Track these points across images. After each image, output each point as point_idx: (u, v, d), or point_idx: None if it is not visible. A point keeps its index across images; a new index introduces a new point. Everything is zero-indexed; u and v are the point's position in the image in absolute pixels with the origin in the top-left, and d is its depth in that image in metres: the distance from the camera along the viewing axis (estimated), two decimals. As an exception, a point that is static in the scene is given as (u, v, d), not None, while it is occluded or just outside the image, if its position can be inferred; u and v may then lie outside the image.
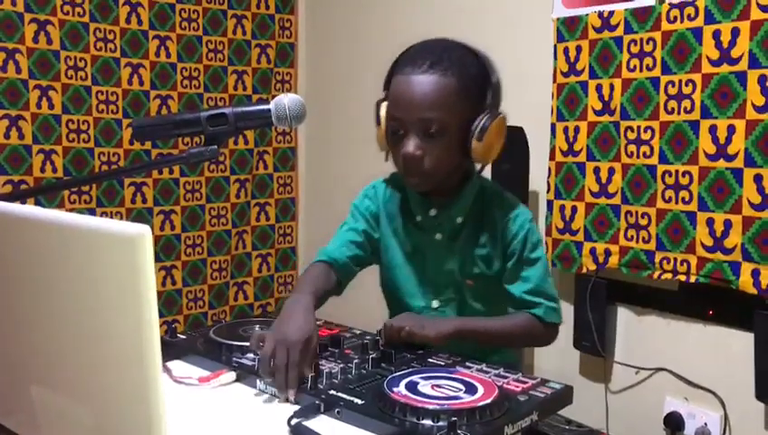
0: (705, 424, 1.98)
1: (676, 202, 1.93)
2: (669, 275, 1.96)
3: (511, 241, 1.42)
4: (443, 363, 1.20)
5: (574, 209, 2.16)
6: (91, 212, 2.62)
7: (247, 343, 1.22)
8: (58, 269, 0.79)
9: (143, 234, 0.70)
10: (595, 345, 2.13)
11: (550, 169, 2.22)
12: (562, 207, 2.19)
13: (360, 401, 1.02)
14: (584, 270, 2.15)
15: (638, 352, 2.12)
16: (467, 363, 1.19)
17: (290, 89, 3.10)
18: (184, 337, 1.32)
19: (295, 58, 3.12)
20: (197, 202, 2.87)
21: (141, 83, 2.72)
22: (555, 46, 2.18)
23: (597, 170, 2.10)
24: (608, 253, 2.09)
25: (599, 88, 2.08)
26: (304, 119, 1.27)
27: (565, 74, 2.16)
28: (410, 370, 1.13)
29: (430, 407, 0.97)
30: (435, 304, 1.46)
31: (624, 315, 2.16)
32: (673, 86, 1.92)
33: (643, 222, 2.00)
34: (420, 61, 1.33)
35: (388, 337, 1.29)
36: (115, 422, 0.78)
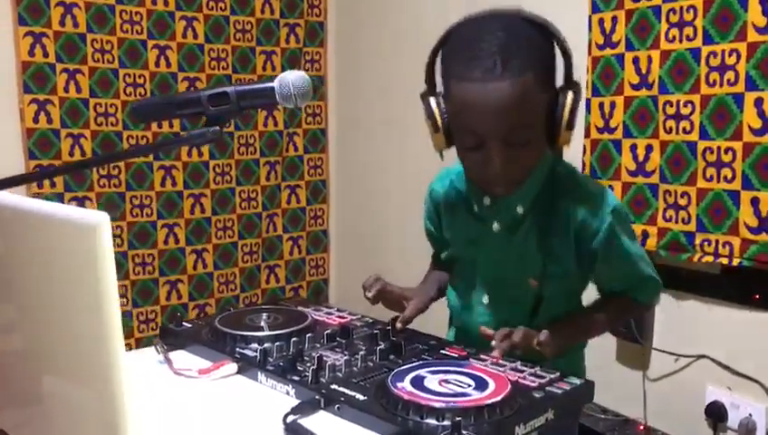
0: (750, 415, 1.87)
1: (718, 181, 1.82)
2: (710, 258, 1.85)
3: (590, 240, 1.21)
4: (456, 356, 1.13)
5: (610, 189, 2.05)
6: (121, 196, 2.62)
7: (252, 332, 1.18)
8: (20, 255, 0.76)
9: (100, 222, 0.65)
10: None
11: (585, 146, 2.12)
12: (598, 187, 2.08)
13: (361, 397, 0.96)
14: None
15: (678, 338, 2.02)
16: (482, 356, 1.12)
17: (319, 69, 3.04)
18: (189, 326, 1.28)
19: (325, 37, 3.06)
20: (228, 185, 2.84)
21: (168, 65, 2.69)
22: (590, 17, 2.07)
23: (634, 148, 1.99)
24: (645, 235, 1.98)
25: (635, 61, 1.97)
26: (310, 97, 1.21)
27: (600, 47, 2.05)
28: (419, 362, 1.06)
29: (435, 405, 0.91)
30: (485, 299, 1.32)
31: (663, 300, 2.03)
32: (715, 57, 1.80)
33: (683, 202, 1.89)
34: (488, 60, 1.09)
35: (518, 344, 1.11)
36: (79, 405, 0.75)
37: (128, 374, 0.67)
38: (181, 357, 1.19)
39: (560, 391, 0.99)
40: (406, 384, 0.97)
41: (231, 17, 2.80)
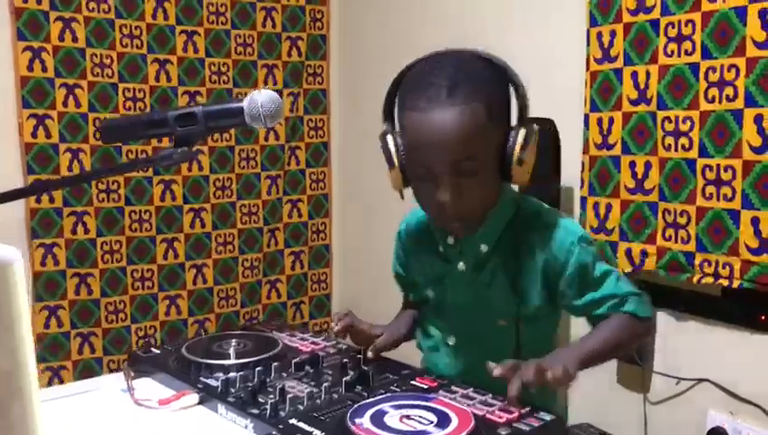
0: (753, 442, 1.81)
1: (718, 199, 1.76)
2: (710, 280, 1.79)
3: (560, 274, 1.19)
4: (426, 386, 1.09)
5: (609, 207, 2.00)
6: (120, 211, 2.61)
7: (217, 361, 1.15)
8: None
9: (12, 262, 0.62)
10: (633, 354, 1.98)
11: (583, 163, 2.07)
12: (596, 205, 2.04)
13: (319, 434, 0.93)
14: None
15: (679, 360, 1.96)
16: (453, 387, 1.08)
17: (321, 82, 3.02)
18: (158, 352, 1.25)
19: (327, 50, 3.03)
20: (228, 199, 2.82)
21: (169, 80, 2.68)
22: (588, 31, 2.02)
23: (633, 165, 1.94)
24: (644, 254, 1.93)
25: (634, 75, 1.92)
26: (280, 117, 1.18)
27: (599, 61, 2.00)
28: (383, 396, 1.02)
29: (389, 444, 0.87)
30: (451, 341, 1.29)
31: (664, 321, 1.99)
32: (714, 72, 1.75)
33: (682, 221, 1.84)
34: (434, 90, 1.09)
35: (532, 380, 1.04)
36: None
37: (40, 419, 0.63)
38: (147, 385, 1.16)
39: (527, 428, 0.94)
40: (365, 420, 0.93)
41: (232, 31, 2.79)
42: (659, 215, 1.89)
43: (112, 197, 2.60)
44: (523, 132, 1.13)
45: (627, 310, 1.21)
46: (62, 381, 2.55)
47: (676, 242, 1.85)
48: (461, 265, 1.24)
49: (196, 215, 2.76)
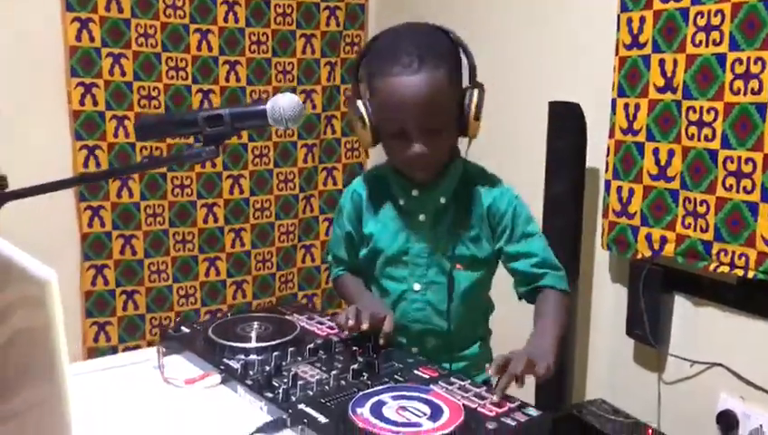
0: (761, 426, 1.86)
1: (738, 191, 1.78)
2: (726, 269, 1.82)
3: (501, 219, 1.40)
4: (427, 377, 1.17)
5: (631, 192, 2.04)
6: (162, 177, 2.72)
7: (238, 344, 1.25)
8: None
9: (49, 280, 0.71)
10: (646, 335, 2.03)
11: (609, 147, 2.09)
12: (620, 189, 2.07)
13: (323, 420, 1.02)
14: (639, 256, 2.04)
15: (694, 344, 2.01)
16: (452, 378, 1.16)
17: (359, 50, 3.05)
18: (188, 331, 1.35)
19: (365, 20, 3.07)
20: (265, 167, 2.92)
21: (210, 49, 2.76)
22: (618, 16, 2.03)
23: (656, 152, 1.97)
24: (663, 240, 1.97)
25: (661, 63, 1.93)
26: (301, 120, 1.25)
27: (627, 47, 2.01)
28: (385, 386, 1.11)
29: None
30: (416, 286, 1.43)
31: (681, 305, 2.04)
32: (740, 64, 1.75)
33: (701, 210, 1.87)
34: (407, 58, 1.28)
35: (519, 371, 1.13)
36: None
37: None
38: (176, 363, 1.27)
39: (513, 423, 1.02)
40: (365, 410, 1.02)
41: (272, 0, 2.84)
42: (680, 202, 1.92)
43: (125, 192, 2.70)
44: (476, 92, 1.33)
45: (550, 284, 1.38)
46: (107, 336, 2.72)
47: (694, 230, 1.89)
48: (422, 217, 1.41)
49: (234, 181, 2.87)
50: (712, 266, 1.86)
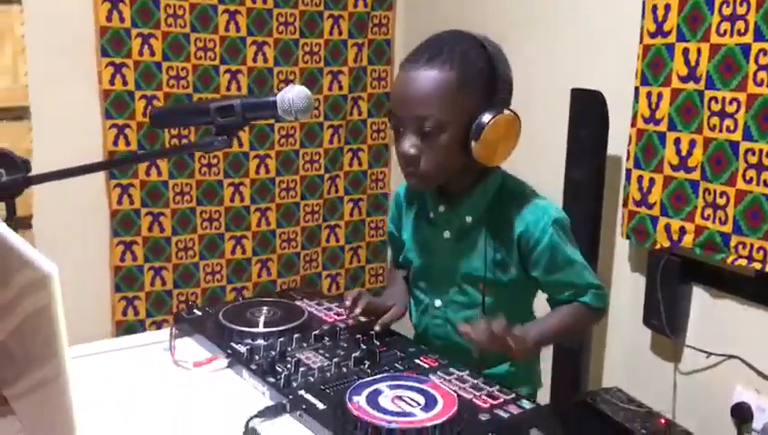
0: (775, 420, 1.85)
1: (758, 184, 1.76)
2: (744, 262, 1.81)
3: (534, 248, 1.31)
4: (427, 366, 1.20)
5: (652, 181, 2.02)
6: (190, 156, 2.77)
7: (246, 328, 1.29)
8: None
9: (50, 274, 0.75)
10: (663, 325, 2.03)
11: (631, 136, 2.08)
12: (640, 178, 2.06)
13: (321, 406, 1.05)
14: (658, 246, 2.03)
15: (711, 336, 2.00)
16: (451, 369, 1.19)
17: (387, 32, 3.06)
18: (200, 314, 1.39)
19: (394, 0, 3.06)
20: (292, 147, 2.95)
21: (238, 30, 2.78)
22: (644, 3, 2.00)
23: (677, 142, 1.95)
24: (682, 231, 1.95)
25: (685, 52, 1.90)
26: (310, 112, 1.28)
27: (652, 35, 1.99)
28: (383, 375, 1.14)
29: (378, 423, 0.99)
30: (437, 303, 1.42)
31: (699, 296, 2.03)
32: (765, 54, 1.73)
33: (721, 202, 1.85)
34: (420, 55, 1.26)
35: (483, 337, 1.16)
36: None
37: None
38: (187, 345, 1.31)
39: (506, 415, 1.04)
40: (361, 399, 1.05)
41: (299, -19, 2.85)
42: (700, 194, 1.90)
43: (183, 142, 2.76)
44: (488, 115, 1.24)
45: (584, 300, 1.34)
46: (135, 311, 2.80)
47: (713, 222, 1.87)
48: (446, 234, 1.38)
49: (261, 161, 2.90)
50: (730, 259, 1.84)
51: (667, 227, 1.99)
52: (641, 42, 2.02)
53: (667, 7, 1.93)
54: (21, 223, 2.56)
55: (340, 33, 2.97)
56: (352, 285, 3.18)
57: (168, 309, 2.84)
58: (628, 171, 2.09)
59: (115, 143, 2.66)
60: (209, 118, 1.28)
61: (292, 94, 1.24)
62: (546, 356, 2.23)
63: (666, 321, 2.01)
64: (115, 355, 1.22)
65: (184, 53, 2.71)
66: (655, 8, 1.97)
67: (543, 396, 2.24)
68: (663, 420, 1.99)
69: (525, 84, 2.52)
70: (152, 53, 2.66)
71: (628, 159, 2.10)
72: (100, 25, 2.57)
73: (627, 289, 2.22)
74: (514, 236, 1.32)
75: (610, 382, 2.25)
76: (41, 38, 2.51)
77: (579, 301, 1.35)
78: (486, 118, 1.24)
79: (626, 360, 2.26)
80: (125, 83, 2.64)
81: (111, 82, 2.62)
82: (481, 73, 1.27)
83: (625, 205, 2.11)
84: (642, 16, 2.01)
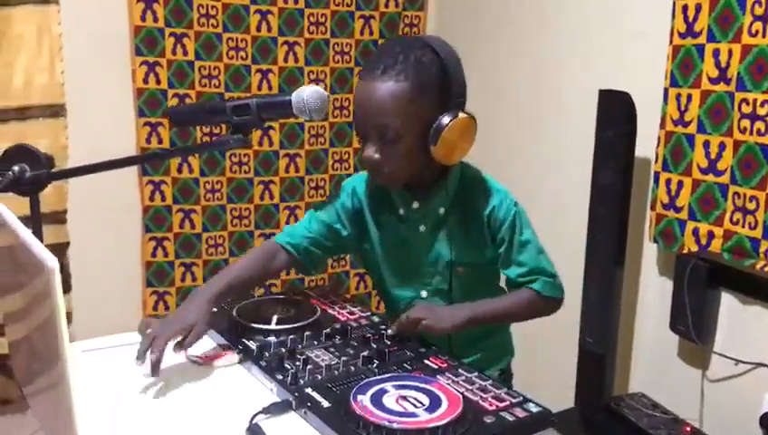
0: (805, 431, 1.81)
1: (789, 189, 1.72)
2: (773, 268, 1.77)
3: (499, 228, 1.42)
4: (435, 367, 1.20)
5: (680, 185, 1.99)
6: (221, 153, 2.80)
7: (258, 325, 1.30)
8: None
9: (53, 268, 0.77)
10: (689, 331, 1.99)
11: (659, 138, 2.04)
12: (668, 181, 2.02)
13: (326, 404, 1.06)
14: (686, 250, 1.99)
15: (740, 342, 1.95)
16: (460, 370, 1.18)
17: (418, 32, 3.05)
18: (215, 310, 1.40)
19: (425, 1, 3.06)
20: (321, 146, 2.97)
21: (269, 30, 2.81)
22: (674, 3, 1.97)
23: (707, 144, 1.91)
24: (711, 235, 1.91)
25: (716, 53, 1.86)
26: (325, 111, 1.28)
27: (682, 35, 1.95)
28: (388, 376, 1.14)
29: (379, 423, 0.99)
30: (423, 293, 1.47)
31: (728, 302, 1.98)
32: (798, 56, 1.68)
33: (751, 206, 1.81)
34: (376, 65, 1.31)
35: (404, 330, 1.32)
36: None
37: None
38: (202, 340, 1.32)
39: (512, 419, 1.03)
40: (365, 398, 1.05)
41: (331, -18, 2.86)
42: (729, 197, 1.86)
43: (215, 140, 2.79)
44: (446, 118, 1.31)
45: (533, 287, 1.41)
46: (166, 306, 2.84)
47: (743, 227, 1.83)
48: (422, 228, 1.44)
49: (291, 160, 2.93)
50: (759, 265, 1.80)
51: (696, 232, 1.95)
52: (671, 42, 1.98)
53: (698, 7, 1.90)
54: (55, 218, 2.64)
55: (371, 34, 2.97)
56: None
57: (197, 305, 2.87)
58: (657, 174, 2.06)
59: (148, 141, 2.71)
60: (226, 117, 1.29)
61: (307, 94, 1.25)
62: (570, 359, 2.21)
63: (693, 326, 1.97)
64: (131, 349, 1.23)
65: (216, 53, 2.75)
66: (685, 8, 1.93)
67: (567, 399, 2.23)
68: (689, 428, 1.96)
69: (554, 85, 2.51)
70: (185, 53, 2.70)
71: (656, 161, 2.06)
72: (134, 25, 2.62)
73: (653, 293, 2.18)
74: (484, 218, 1.41)
75: (635, 388, 2.22)
76: (77, 37, 2.57)
77: (529, 287, 1.43)
78: (443, 122, 1.31)
79: (652, 365, 2.22)
80: (158, 82, 2.69)
81: (145, 81, 2.67)
82: (435, 79, 1.32)
83: (653, 208, 2.07)
84: (672, 16, 1.97)
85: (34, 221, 1.40)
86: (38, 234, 1.45)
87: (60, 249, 2.67)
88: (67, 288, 2.71)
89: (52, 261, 0.77)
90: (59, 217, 2.65)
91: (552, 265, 1.48)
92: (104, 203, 2.70)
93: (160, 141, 2.72)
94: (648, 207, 2.11)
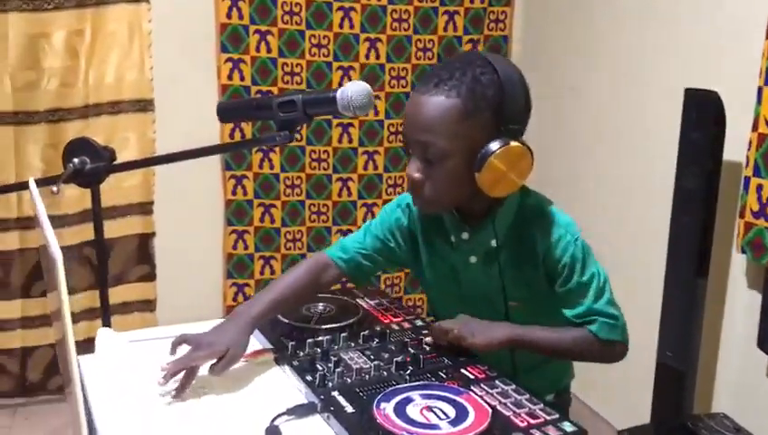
0: None
1: None
2: None
3: (554, 267, 1.28)
4: (472, 377, 1.15)
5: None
6: (301, 150, 2.82)
7: (296, 323, 1.29)
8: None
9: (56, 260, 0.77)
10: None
11: (751, 141, 1.90)
12: (760, 187, 1.87)
13: (350, 410, 1.03)
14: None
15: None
16: (496, 382, 1.13)
17: (504, 29, 2.98)
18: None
19: (512, -5, 2.98)
20: (400, 144, 2.94)
21: (352, 26, 2.81)
22: (770, -6, 1.82)
23: (802, 149, 1.76)
24: (803, 247, 1.76)
25: (815, 49, 1.71)
26: (370, 108, 1.26)
27: (779, 29, 1.80)
28: (416, 384, 1.10)
29: (396, 433, 0.95)
30: None
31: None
32: None
33: None
34: (431, 78, 1.21)
35: (435, 338, 1.26)
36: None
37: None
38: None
39: (541, 438, 0.97)
40: (388, 406, 1.02)
41: (415, -23, 2.83)
42: (825, 207, 1.71)
43: (295, 136, 2.82)
44: (495, 144, 1.17)
45: (591, 329, 1.27)
46: (246, 297, 2.90)
47: (839, 239, 1.67)
48: (473, 259, 1.33)
49: (369, 157, 2.92)
50: None
51: (787, 243, 1.80)
52: (767, 38, 1.84)
53: (796, -1, 1.75)
54: (142, 209, 2.74)
55: (455, 30, 2.92)
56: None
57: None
58: (747, 179, 1.91)
59: (231, 135, 2.77)
60: (272, 113, 1.28)
61: (351, 90, 1.23)
62: (647, 374, 2.09)
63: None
64: (162, 343, 1.25)
65: (299, 50, 2.77)
66: (782, 0, 1.78)
67: (642, 416, 2.11)
68: (772, 456, 1.81)
69: (637, 82, 2.38)
70: (269, 50, 2.74)
71: (747, 165, 1.91)
72: (220, 22, 2.68)
73: (741, 308, 2.03)
74: (539, 255, 1.28)
75: (718, 408, 2.07)
76: (166, 34, 2.65)
77: (586, 327, 1.28)
78: (491, 148, 1.17)
79: (737, 385, 2.07)
80: (242, 78, 2.74)
81: (229, 77, 2.73)
82: (491, 101, 1.19)
83: (742, 216, 1.93)
84: (769, 9, 1.82)
85: (95, 213, 1.44)
86: (98, 225, 1.49)
87: (146, 239, 2.77)
88: (152, 277, 2.81)
89: (56, 253, 0.78)
90: (146, 209, 2.75)
91: (617, 306, 1.31)
92: (189, 196, 2.78)
93: (243, 136, 2.77)
94: (737, 214, 1.96)
